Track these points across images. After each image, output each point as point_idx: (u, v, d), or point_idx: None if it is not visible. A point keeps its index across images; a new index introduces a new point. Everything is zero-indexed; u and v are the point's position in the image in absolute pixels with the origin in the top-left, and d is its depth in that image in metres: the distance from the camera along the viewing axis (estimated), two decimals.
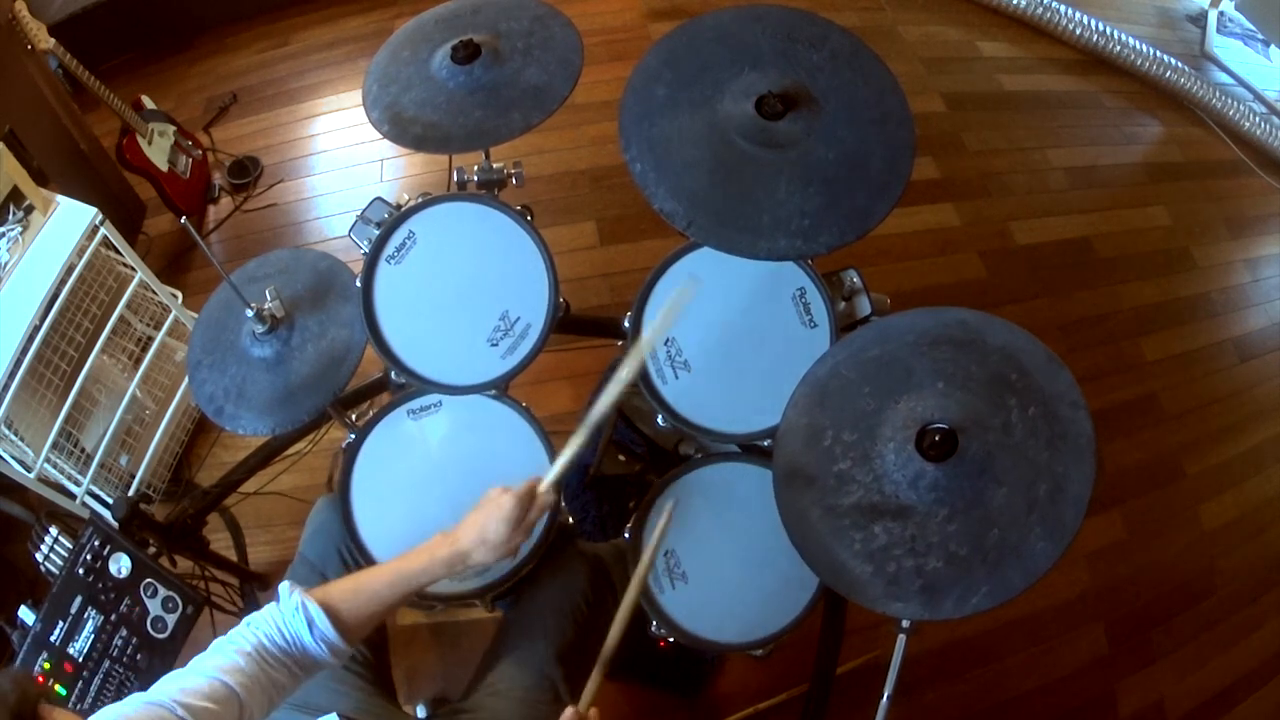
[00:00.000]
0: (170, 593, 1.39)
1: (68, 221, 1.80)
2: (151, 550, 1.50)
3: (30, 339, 1.69)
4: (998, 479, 0.88)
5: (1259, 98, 3.13)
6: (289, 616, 0.96)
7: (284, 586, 0.99)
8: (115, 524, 1.42)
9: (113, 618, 1.35)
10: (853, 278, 1.30)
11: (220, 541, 1.93)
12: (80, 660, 1.32)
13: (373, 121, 1.25)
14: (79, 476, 1.88)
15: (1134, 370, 2.43)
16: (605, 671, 0.99)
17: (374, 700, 1.24)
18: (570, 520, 1.36)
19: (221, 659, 0.91)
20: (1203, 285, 2.66)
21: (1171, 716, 1.96)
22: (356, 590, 1.01)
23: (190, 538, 1.67)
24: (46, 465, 1.80)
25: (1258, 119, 2.94)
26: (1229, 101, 2.97)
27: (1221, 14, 3.37)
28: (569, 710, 1.04)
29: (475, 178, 1.34)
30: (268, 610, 0.98)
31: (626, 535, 1.25)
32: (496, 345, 1.26)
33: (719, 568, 1.24)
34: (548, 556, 1.30)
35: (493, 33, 1.29)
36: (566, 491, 1.37)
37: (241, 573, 1.89)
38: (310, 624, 0.96)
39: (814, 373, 1.06)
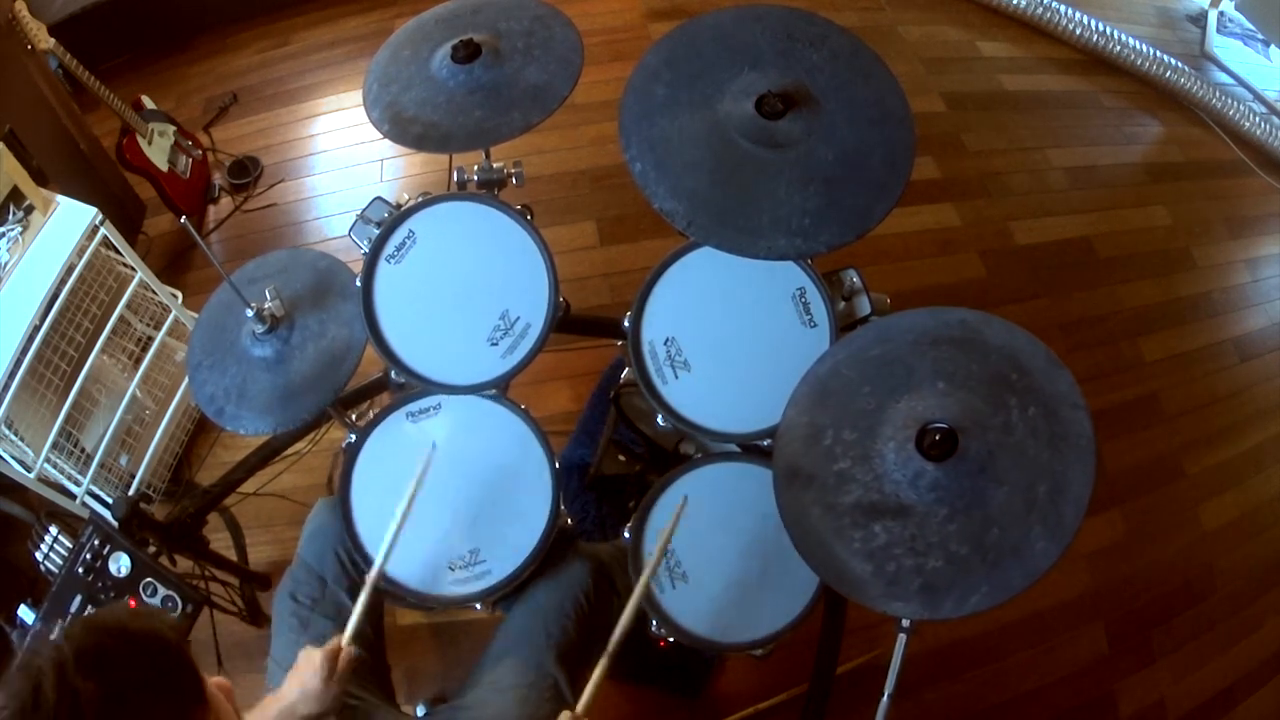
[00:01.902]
0: (170, 592, 1.39)
1: (68, 221, 1.80)
2: (151, 550, 1.51)
3: (30, 339, 1.69)
4: (998, 479, 0.88)
5: (1259, 98, 3.13)
6: None
7: None
8: (115, 523, 1.42)
9: None
10: (853, 278, 1.30)
11: (220, 541, 1.93)
12: None
13: (373, 121, 1.25)
14: (79, 476, 1.88)
15: (1134, 370, 2.43)
16: (607, 674, 0.99)
17: (372, 700, 1.24)
18: (570, 521, 1.36)
19: None
20: (1203, 285, 2.66)
21: (1171, 716, 1.95)
22: None
23: (190, 537, 1.67)
24: (46, 465, 1.80)
25: (1258, 119, 2.94)
26: (1229, 101, 2.96)
27: (1221, 14, 3.36)
28: (565, 714, 1.04)
29: (475, 177, 1.34)
30: None
31: (627, 535, 1.25)
32: (496, 345, 1.26)
33: (719, 567, 1.24)
34: (548, 557, 1.30)
35: (493, 32, 1.29)
36: (566, 491, 1.38)
37: (241, 572, 1.89)
38: None
39: (814, 372, 1.06)
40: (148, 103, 2.47)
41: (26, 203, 1.79)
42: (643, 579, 1.06)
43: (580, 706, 1.01)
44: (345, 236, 1.32)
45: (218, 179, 2.72)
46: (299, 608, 1.29)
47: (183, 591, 1.39)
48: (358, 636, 1.22)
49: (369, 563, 1.26)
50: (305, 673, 1.08)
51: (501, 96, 1.23)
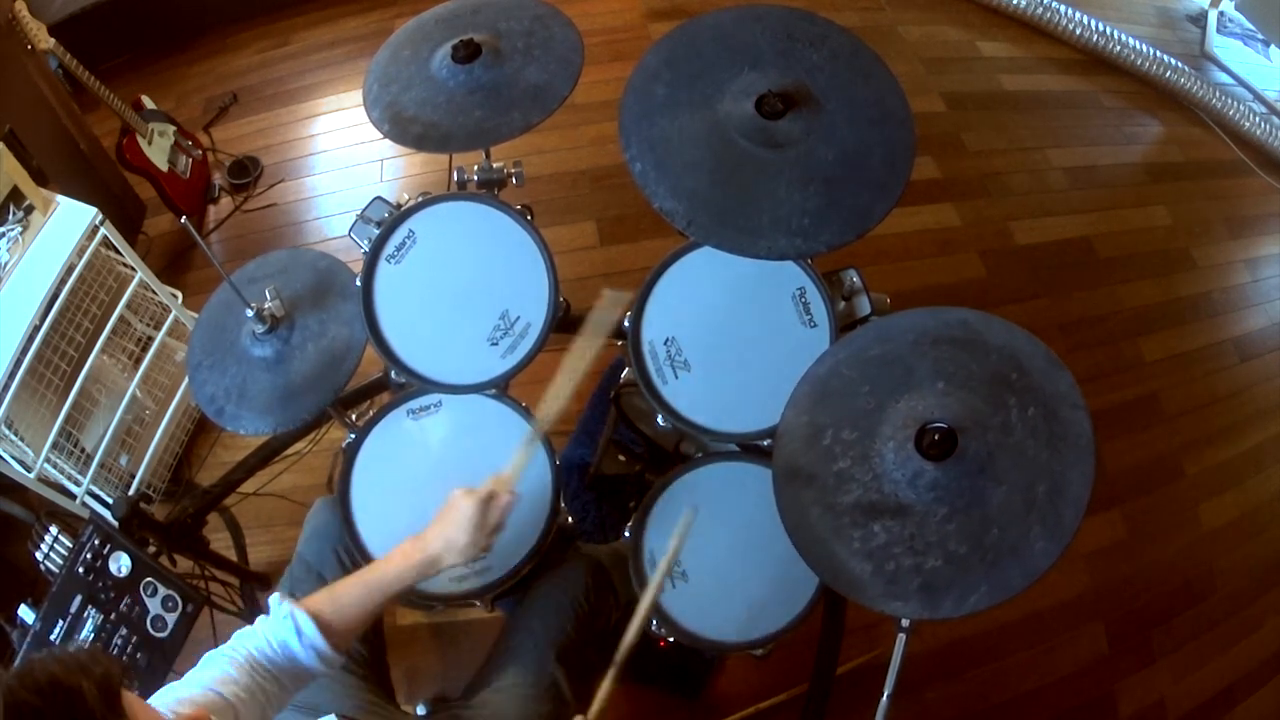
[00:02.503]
0: (170, 592, 1.39)
1: (68, 221, 1.80)
2: (151, 550, 1.51)
3: (30, 339, 1.69)
4: (997, 478, 0.88)
5: (1259, 98, 3.13)
6: (277, 626, 0.98)
7: (274, 598, 1.01)
8: (115, 523, 1.42)
9: (112, 617, 1.35)
10: (853, 277, 1.30)
11: (220, 541, 1.93)
12: None
13: (373, 121, 1.25)
14: (79, 476, 1.88)
15: (1134, 370, 2.43)
16: (617, 680, 0.99)
17: (373, 700, 1.24)
18: (570, 520, 1.36)
19: (215, 671, 0.93)
20: (1203, 285, 2.66)
21: (1171, 716, 1.95)
22: (334, 598, 1.03)
23: (190, 537, 1.67)
24: (46, 465, 1.80)
25: (1258, 119, 2.94)
26: (1229, 101, 2.96)
27: (1221, 14, 3.36)
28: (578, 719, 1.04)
29: (475, 177, 1.34)
30: (257, 623, 1.00)
31: (627, 535, 1.25)
32: (496, 344, 1.26)
33: (719, 567, 1.24)
34: (547, 556, 1.30)
35: (493, 32, 1.29)
36: (566, 491, 1.38)
37: (241, 572, 1.89)
38: (298, 632, 0.97)
39: (814, 372, 1.05)
40: (148, 103, 2.47)
41: (26, 203, 1.79)
42: (652, 588, 1.04)
43: (591, 714, 1.01)
44: (345, 236, 1.32)
45: (218, 179, 2.72)
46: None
47: (183, 591, 1.39)
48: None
49: (368, 562, 1.26)
50: (455, 522, 1.03)
51: (501, 96, 1.23)
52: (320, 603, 1.01)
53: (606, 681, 0.99)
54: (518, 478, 1.08)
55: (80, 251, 1.78)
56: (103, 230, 1.81)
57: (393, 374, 1.30)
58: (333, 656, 1.00)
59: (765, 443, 1.24)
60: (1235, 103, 2.97)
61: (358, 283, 1.25)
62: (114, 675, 0.70)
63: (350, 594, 1.04)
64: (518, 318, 1.26)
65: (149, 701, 0.84)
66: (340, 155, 2.77)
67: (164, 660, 1.37)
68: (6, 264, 1.74)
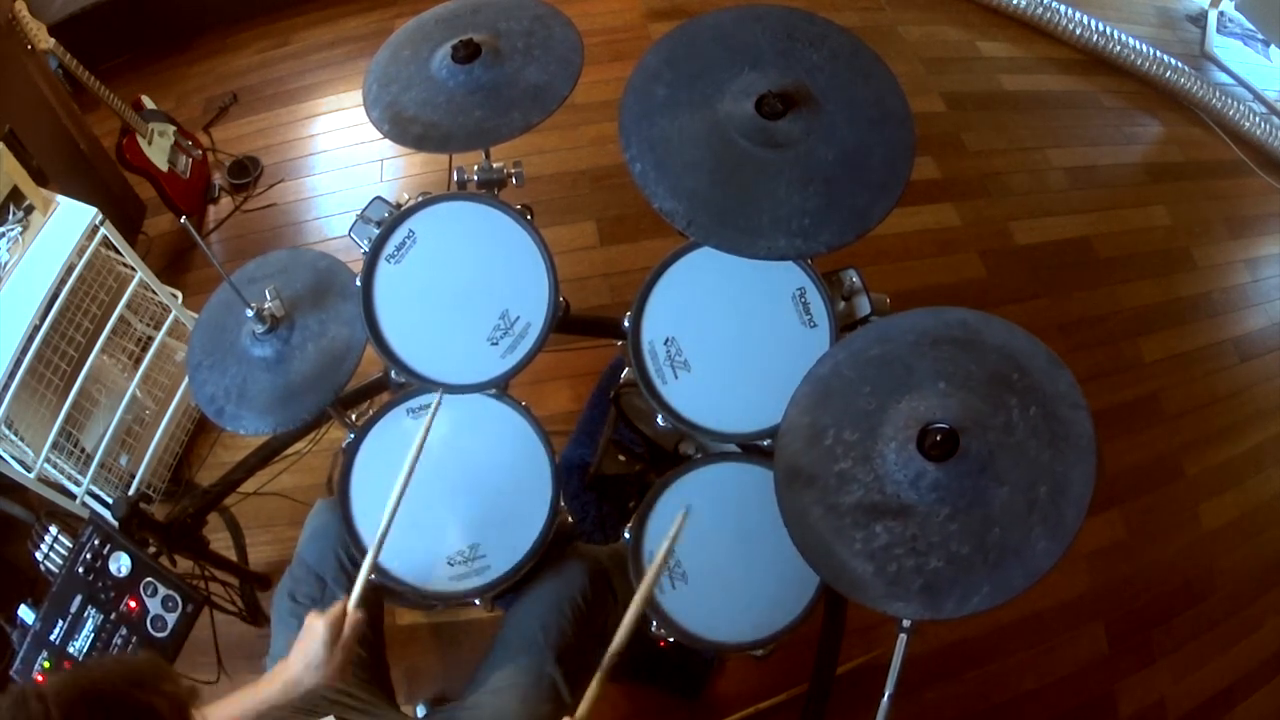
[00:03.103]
0: (170, 592, 1.39)
1: (68, 221, 1.80)
2: (151, 550, 1.51)
3: (30, 339, 1.69)
4: (998, 479, 0.88)
5: (1259, 98, 3.13)
6: None
7: None
8: (115, 523, 1.42)
9: (112, 616, 1.36)
10: (853, 278, 1.30)
11: (220, 541, 1.93)
12: (80, 659, 1.32)
13: (373, 121, 1.25)
14: (79, 476, 1.88)
15: (1134, 370, 2.43)
16: (606, 679, 0.99)
17: (372, 701, 1.24)
18: (570, 520, 1.36)
19: None
20: (1203, 285, 2.66)
21: (1171, 716, 1.95)
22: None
23: (190, 537, 1.67)
24: (46, 465, 1.80)
25: (1258, 119, 2.94)
26: (1229, 101, 2.96)
27: (1221, 14, 3.36)
28: None
29: (475, 177, 1.34)
30: None
31: (627, 535, 1.25)
32: (496, 344, 1.26)
33: (719, 567, 1.24)
34: (547, 556, 1.30)
35: (493, 32, 1.29)
36: (566, 491, 1.38)
37: (241, 572, 1.89)
38: None
39: (815, 372, 1.05)
40: (148, 103, 2.47)
41: (26, 203, 1.79)
42: (642, 590, 1.04)
43: (580, 713, 1.01)
44: (345, 236, 1.32)
45: (218, 179, 2.72)
46: (298, 607, 1.29)
47: (183, 591, 1.39)
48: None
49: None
50: (309, 642, 1.06)
51: (501, 96, 1.23)
52: None
53: (594, 682, 0.99)
54: (358, 598, 1.11)
55: (80, 251, 1.78)
56: (103, 230, 1.81)
57: (392, 374, 1.30)
58: None
59: (766, 443, 1.24)
60: (1235, 103, 2.97)
61: (358, 283, 1.25)
62: (182, 695, 0.69)
63: (224, 714, 1.05)
64: (518, 317, 1.26)
65: None
66: (340, 155, 2.77)
67: (164, 660, 1.37)
68: (6, 264, 1.74)
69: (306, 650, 1.05)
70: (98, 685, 0.67)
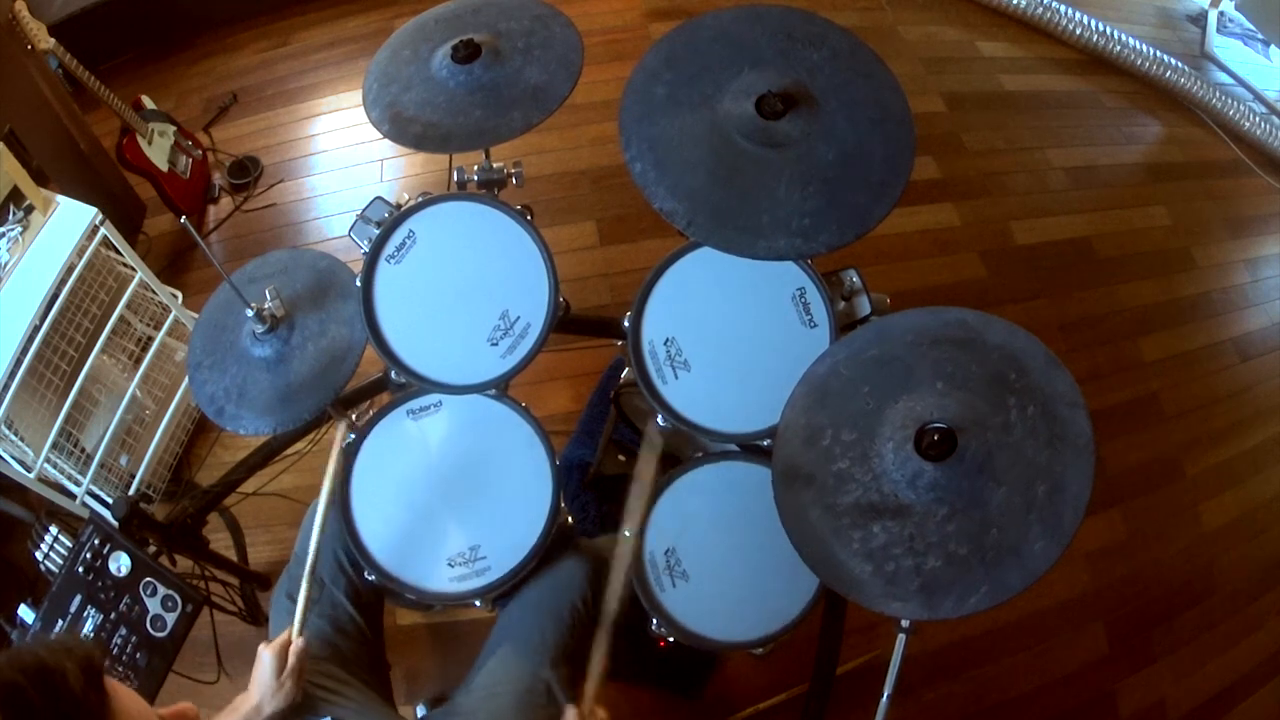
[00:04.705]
0: (170, 592, 1.39)
1: (68, 221, 1.80)
2: (151, 550, 1.51)
3: (30, 339, 1.69)
4: (997, 479, 0.88)
5: (1259, 98, 3.13)
6: None
7: None
8: (115, 523, 1.42)
9: (112, 616, 1.36)
10: (853, 278, 1.30)
11: (220, 541, 1.93)
12: None
13: (373, 121, 1.25)
14: (79, 476, 1.88)
15: (1134, 370, 2.43)
16: (606, 662, 0.99)
17: (371, 701, 1.24)
18: (570, 520, 1.36)
19: None
20: (1203, 285, 2.66)
21: (1171, 716, 1.95)
22: None
23: (190, 537, 1.67)
24: (46, 465, 1.80)
25: (1258, 119, 2.94)
26: (1229, 101, 2.96)
27: (1221, 14, 3.36)
28: (570, 710, 1.04)
29: (475, 177, 1.34)
30: None
31: (626, 534, 1.25)
32: (496, 345, 1.26)
33: (719, 567, 1.24)
34: (547, 556, 1.30)
35: (493, 32, 1.29)
36: (566, 491, 1.38)
37: (241, 572, 1.89)
38: None
39: (813, 372, 1.06)
40: (148, 103, 2.47)
41: (26, 203, 1.79)
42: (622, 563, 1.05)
43: (585, 706, 1.01)
44: (345, 236, 1.32)
45: (218, 179, 2.72)
46: (296, 608, 1.29)
47: (183, 591, 1.40)
48: (340, 631, 1.23)
49: (368, 562, 1.27)
50: (258, 671, 1.10)
51: (501, 96, 1.23)
52: None
53: (597, 656, 0.99)
54: (301, 627, 1.15)
55: (80, 251, 1.78)
56: (103, 230, 1.81)
57: (393, 374, 1.30)
58: None
59: (765, 443, 1.24)
60: (1235, 103, 2.97)
61: (358, 283, 1.25)
62: (95, 657, 0.72)
63: None
64: (518, 318, 1.26)
65: None
66: (340, 155, 2.77)
67: (163, 660, 1.37)
68: (6, 264, 1.74)
69: (258, 680, 1.10)
70: (7, 657, 0.70)
